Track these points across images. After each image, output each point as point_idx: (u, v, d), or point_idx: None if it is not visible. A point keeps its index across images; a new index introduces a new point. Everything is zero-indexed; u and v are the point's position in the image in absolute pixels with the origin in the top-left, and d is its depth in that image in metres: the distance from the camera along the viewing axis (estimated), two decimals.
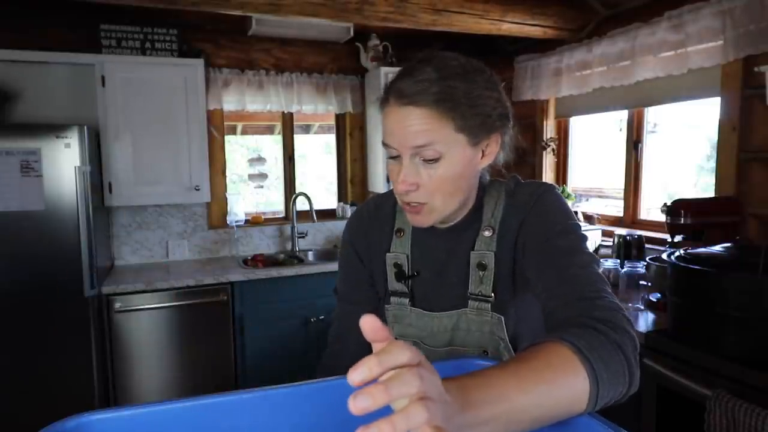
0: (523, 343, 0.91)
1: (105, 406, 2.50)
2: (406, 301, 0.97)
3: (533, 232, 0.87)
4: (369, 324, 0.46)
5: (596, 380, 0.60)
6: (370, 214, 1.04)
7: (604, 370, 0.62)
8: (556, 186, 0.95)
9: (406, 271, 0.97)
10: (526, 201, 0.90)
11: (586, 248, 0.84)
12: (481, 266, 0.92)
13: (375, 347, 0.47)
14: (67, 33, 2.92)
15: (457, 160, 0.83)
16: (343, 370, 0.57)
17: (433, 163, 0.82)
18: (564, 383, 0.59)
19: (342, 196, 3.82)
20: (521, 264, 0.89)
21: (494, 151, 0.89)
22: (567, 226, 0.86)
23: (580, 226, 0.88)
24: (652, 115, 2.83)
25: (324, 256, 3.50)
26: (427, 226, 0.90)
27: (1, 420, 2.42)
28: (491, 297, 0.91)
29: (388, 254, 0.99)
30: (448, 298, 0.94)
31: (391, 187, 0.91)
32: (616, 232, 2.64)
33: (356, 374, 0.42)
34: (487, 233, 0.92)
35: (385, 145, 0.86)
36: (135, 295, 2.68)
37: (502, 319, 0.91)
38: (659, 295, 2.10)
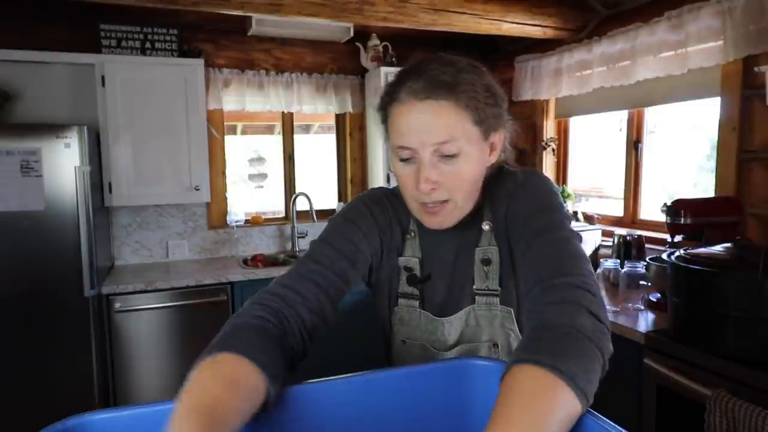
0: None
1: (105, 406, 2.50)
2: (416, 303, 0.96)
3: (515, 216, 0.87)
4: None
5: (583, 393, 0.60)
6: (390, 205, 0.97)
7: (585, 380, 0.61)
8: (540, 171, 0.94)
9: (418, 275, 0.96)
10: (508, 189, 0.90)
11: (563, 224, 0.82)
12: (486, 261, 0.92)
13: None
14: (67, 33, 2.92)
15: (474, 155, 0.83)
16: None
17: (453, 159, 0.81)
18: (558, 410, 0.58)
19: (342, 196, 3.82)
20: (514, 245, 0.89)
21: (500, 147, 0.90)
22: (546, 205, 0.84)
23: (562, 205, 0.87)
24: (652, 115, 2.83)
25: None
26: (448, 227, 0.88)
27: (1, 420, 2.42)
28: (498, 290, 0.91)
29: (400, 258, 0.97)
30: (457, 299, 0.94)
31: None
32: (616, 232, 2.64)
33: None
34: (486, 227, 0.92)
35: (399, 148, 0.82)
36: (135, 295, 2.68)
37: (512, 311, 0.91)
38: (659, 295, 2.10)
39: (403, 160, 0.84)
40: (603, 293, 2.15)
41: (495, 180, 0.94)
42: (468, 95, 0.80)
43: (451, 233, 0.93)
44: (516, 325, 0.92)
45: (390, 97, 0.84)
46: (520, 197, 0.87)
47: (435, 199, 0.83)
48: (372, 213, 0.95)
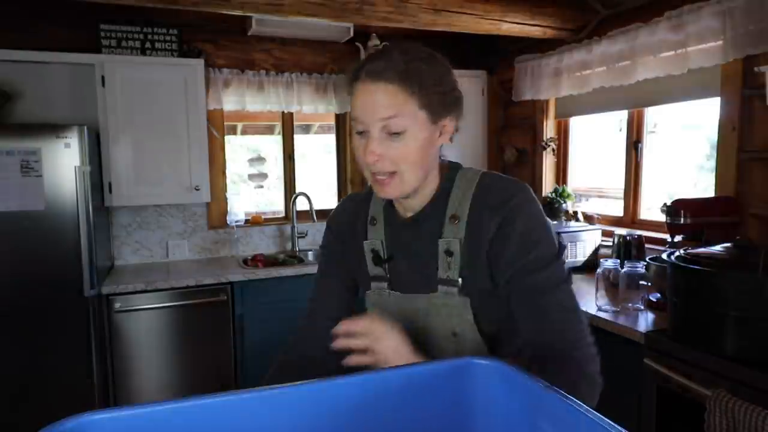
0: (488, 326, 0.97)
1: (105, 406, 2.50)
2: (385, 285, 1.05)
3: (510, 253, 0.91)
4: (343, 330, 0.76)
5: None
6: (350, 205, 1.14)
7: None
8: (528, 187, 0.97)
9: (382, 255, 1.04)
10: (501, 202, 0.93)
11: (563, 283, 0.90)
12: (449, 252, 0.96)
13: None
14: (67, 33, 2.92)
15: (419, 135, 0.91)
16: (303, 362, 0.99)
17: (398, 137, 0.90)
18: None
19: (342, 196, 3.82)
20: (495, 272, 0.94)
21: (450, 131, 0.97)
22: (542, 255, 0.90)
23: (554, 244, 0.92)
24: (652, 115, 2.83)
25: None
26: (395, 197, 0.97)
27: (1, 420, 2.42)
28: (458, 281, 0.96)
29: (365, 242, 1.07)
30: (420, 282, 1.00)
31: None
32: (616, 232, 2.64)
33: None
34: (453, 221, 0.97)
35: (353, 120, 0.93)
36: (135, 295, 2.68)
37: (468, 300, 0.96)
38: (659, 295, 2.10)
39: (358, 133, 0.93)
40: (603, 293, 2.16)
41: (473, 176, 0.99)
42: (416, 81, 0.89)
43: (412, 221, 1.01)
44: (472, 315, 0.96)
45: (353, 75, 0.93)
46: (514, 238, 0.90)
47: (380, 169, 0.92)
48: (332, 231, 1.15)
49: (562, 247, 0.93)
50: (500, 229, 0.92)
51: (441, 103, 0.92)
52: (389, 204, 1.05)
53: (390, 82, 0.88)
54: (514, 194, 0.93)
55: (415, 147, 0.91)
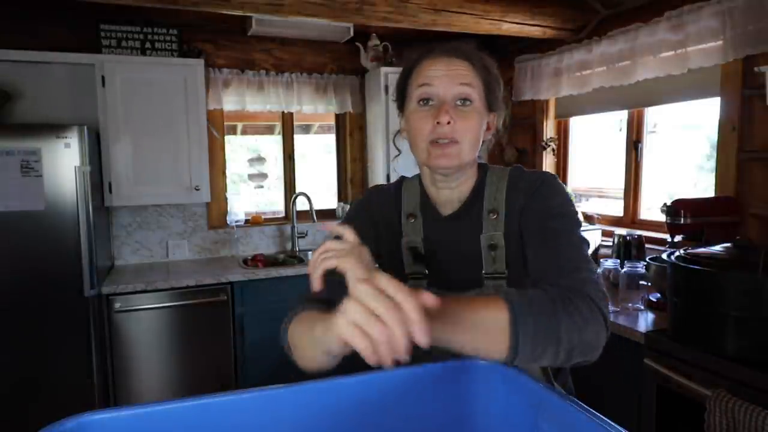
0: None
1: (105, 406, 2.50)
2: (424, 283, 1.02)
3: (532, 215, 0.93)
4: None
5: (514, 311, 0.70)
6: (384, 195, 1.09)
7: (532, 324, 0.70)
8: (556, 174, 1.01)
9: (423, 252, 1.02)
10: (529, 186, 0.97)
11: (577, 231, 0.90)
12: (493, 247, 0.97)
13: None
14: (67, 33, 2.92)
15: (481, 115, 0.96)
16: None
17: (468, 106, 0.94)
18: (482, 309, 0.71)
19: (342, 196, 3.82)
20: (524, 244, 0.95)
21: (492, 128, 1.02)
22: (562, 210, 0.92)
23: (576, 212, 0.94)
24: (652, 115, 2.83)
25: None
26: (451, 166, 0.96)
27: (1, 420, 2.42)
28: (505, 273, 0.96)
29: (402, 240, 1.04)
30: (464, 280, 0.98)
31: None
32: (616, 232, 2.64)
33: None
34: (492, 216, 0.98)
35: (423, 86, 0.94)
36: (135, 295, 2.68)
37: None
38: (659, 295, 2.10)
39: (422, 101, 0.95)
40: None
41: (503, 172, 1.02)
42: (483, 65, 0.96)
43: (450, 218, 1.02)
44: None
45: (418, 57, 0.97)
46: (539, 198, 0.94)
47: (447, 134, 0.93)
48: (365, 208, 1.08)
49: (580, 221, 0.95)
50: (528, 198, 0.95)
51: (495, 95, 0.98)
52: (426, 200, 1.05)
53: (466, 59, 0.94)
54: (542, 177, 0.98)
55: (477, 122, 0.95)
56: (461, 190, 1.01)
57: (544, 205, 0.93)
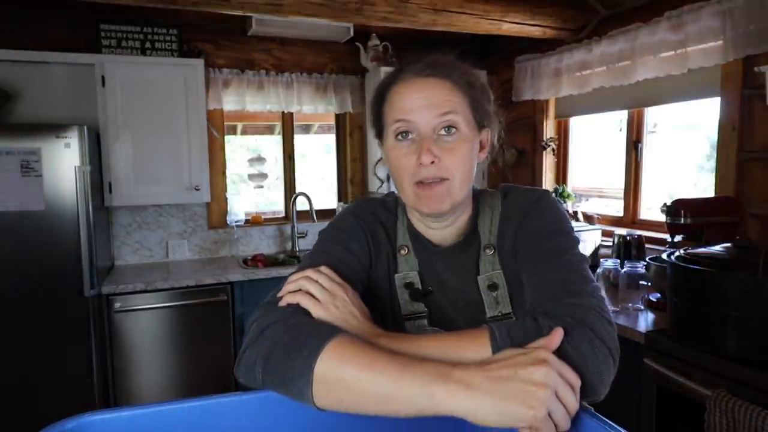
0: None
1: (105, 406, 2.50)
2: (425, 322, 0.90)
3: (525, 236, 0.86)
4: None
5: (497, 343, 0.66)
6: (378, 214, 0.95)
7: (508, 335, 0.67)
8: (550, 191, 0.92)
9: (420, 288, 0.91)
10: (519, 209, 0.88)
11: (574, 248, 0.82)
12: (493, 287, 0.89)
13: None
14: (67, 33, 2.92)
15: (469, 139, 0.84)
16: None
17: (453, 135, 0.82)
18: (466, 338, 0.69)
19: (342, 196, 3.82)
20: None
21: (486, 146, 0.91)
22: (556, 228, 0.84)
23: (572, 228, 0.86)
24: (652, 115, 2.83)
25: None
26: (440, 211, 0.85)
27: (1, 420, 2.42)
28: (510, 312, 0.88)
29: (397, 275, 0.91)
30: (462, 319, 0.90)
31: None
32: (616, 232, 2.64)
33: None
34: (489, 251, 0.90)
35: (399, 122, 0.83)
36: (135, 295, 2.68)
37: None
38: (659, 295, 2.10)
39: (401, 134, 0.83)
40: (603, 293, 2.16)
41: (494, 195, 0.93)
42: (465, 80, 0.84)
43: (446, 252, 0.91)
44: None
45: (390, 81, 0.86)
46: (531, 218, 0.86)
47: (434, 174, 0.82)
48: (359, 224, 0.92)
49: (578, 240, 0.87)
50: (521, 219, 0.87)
51: (484, 110, 0.87)
52: (415, 232, 0.93)
53: (440, 77, 0.82)
54: (530, 197, 0.90)
55: (466, 151, 0.83)
56: (457, 226, 0.91)
57: (537, 225, 0.85)
